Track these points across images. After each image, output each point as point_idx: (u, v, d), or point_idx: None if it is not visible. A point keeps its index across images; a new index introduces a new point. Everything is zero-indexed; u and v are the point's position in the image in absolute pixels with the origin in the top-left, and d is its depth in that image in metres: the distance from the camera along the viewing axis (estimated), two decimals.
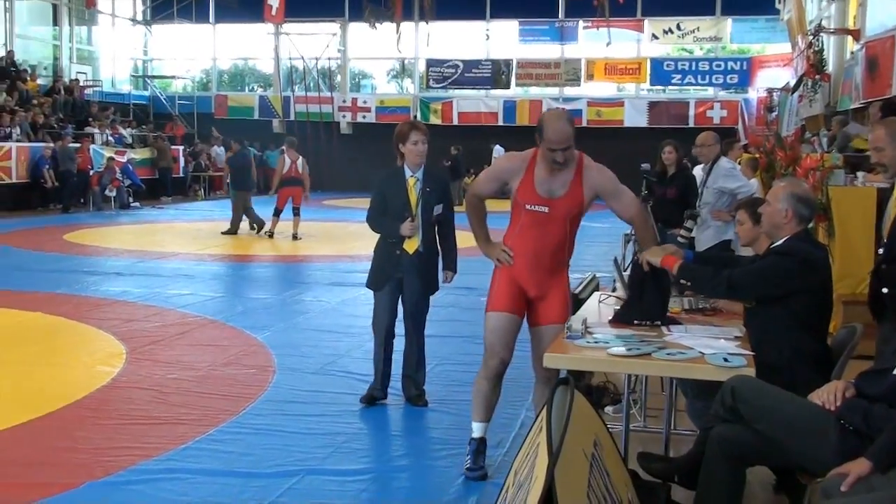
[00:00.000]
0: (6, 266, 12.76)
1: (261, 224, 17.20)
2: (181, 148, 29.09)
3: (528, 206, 4.62)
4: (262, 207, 17.62)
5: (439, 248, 6.13)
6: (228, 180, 19.08)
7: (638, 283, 4.49)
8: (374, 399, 6.12)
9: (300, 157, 16.39)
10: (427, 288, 6.07)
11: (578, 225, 4.74)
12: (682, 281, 4.40)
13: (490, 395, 4.83)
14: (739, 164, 10.61)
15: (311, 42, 32.10)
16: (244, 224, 17.27)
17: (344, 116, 32.46)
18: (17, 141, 22.46)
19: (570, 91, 31.45)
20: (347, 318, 9.15)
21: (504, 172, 4.75)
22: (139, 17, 34.38)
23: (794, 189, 4.34)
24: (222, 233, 17.05)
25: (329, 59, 32.70)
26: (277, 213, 16.47)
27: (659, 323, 4.39)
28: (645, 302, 4.45)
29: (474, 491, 4.60)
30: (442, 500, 4.51)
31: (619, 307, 4.66)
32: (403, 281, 6.00)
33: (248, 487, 4.61)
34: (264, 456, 5.09)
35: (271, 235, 16.57)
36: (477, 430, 4.86)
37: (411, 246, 5.95)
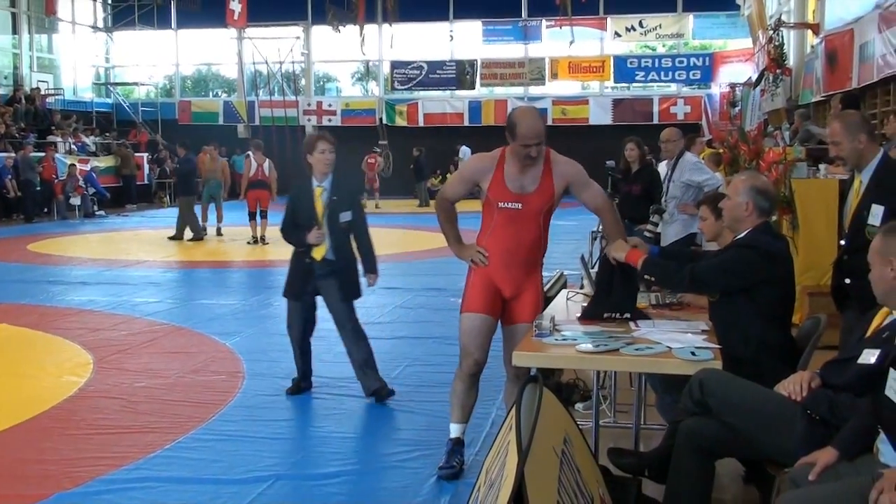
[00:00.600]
0: None
1: (196, 232, 17.29)
2: (145, 155, 28.90)
3: (500, 205, 4.63)
4: (233, 213, 17.51)
5: (356, 253, 6.29)
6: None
7: (607, 278, 4.52)
8: (299, 388, 6.40)
9: (266, 160, 16.32)
10: (347, 294, 6.23)
11: (549, 220, 4.76)
12: (646, 276, 4.44)
13: (465, 397, 4.83)
14: (703, 159, 10.69)
15: (275, 46, 31.96)
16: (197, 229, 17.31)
17: (309, 120, 32.37)
18: None
19: (534, 90, 31.56)
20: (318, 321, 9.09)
21: (474, 173, 4.76)
22: (100, 24, 34.09)
23: (753, 182, 4.37)
24: (169, 238, 17.16)
25: (293, 62, 32.59)
26: (252, 216, 16.37)
27: (628, 316, 4.41)
28: (614, 296, 4.47)
29: (447, 491, 4.59)
30: (414, 500, 4.50)
31: (586, 304, 4.67)
32: (321, 289, 6.21)
33: (219, 494, 4.58)
34: (235, 462, 5.06)
35: (260, 241, 16.31)
36: (453, 430, 4.88)
37: (318, 253, 6.15)
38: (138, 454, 5.16)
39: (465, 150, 29.45)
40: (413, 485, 4.69)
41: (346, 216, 6.17)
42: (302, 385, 6.44)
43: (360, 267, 6.39)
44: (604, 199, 4.84)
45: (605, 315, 4.44)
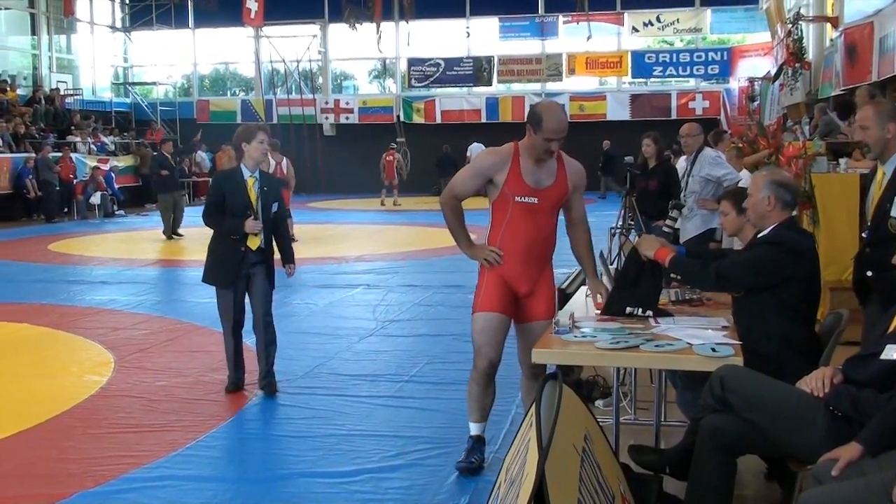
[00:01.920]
0: None
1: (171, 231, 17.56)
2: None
3: (517, 198, 4.62)
4: None
5: (274, 245, 6.49)
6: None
7: (634, 273, 4.51)
8: (238, 387, 6.45)
9: (284, 158, 16.35)
10: (272, 281, 6.44)
11: (557, 218, 4.78)
12: (673, 274, 4.44)
13: (482, 397, 4.83)
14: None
15: (292, 44, 32.00)
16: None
17: (327, 118, 32.40)
18: None
19: (552, 86, 31.47)
20: (335, 319, 9.14)
21: (488, 168, 4.72)
22: (118, 24, 34.22)
23: (773, 177, 4.35)
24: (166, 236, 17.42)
25: (310, 60, 32.63)
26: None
27: (650, 313, 4.40)
28: (640, 291, 4.46)
29: (467, 489, 4.59)
30: (434, 499, 4.50)
31: (608, 297, 4.66)
32: (251, 278, 6.34)
33: (240, 493, 4.59)
34: (255, 460, 5.08)
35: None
36: (473, 429, 4.89)
37: (254, 243, 6.28)
38: (159, 453, 5.18)
39: (475, 147, 29.37)
40: (433, 483, 4.69)
41: (274, 207, 6.37)
42: (240, 385, 6.48)
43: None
44: (585, 215, 4.93)
45: (628, 310, 4.42)
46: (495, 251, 4.70)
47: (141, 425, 5.72)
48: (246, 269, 6.31)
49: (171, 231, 17.60)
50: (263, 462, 5.06)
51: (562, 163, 4.69)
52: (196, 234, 17.75)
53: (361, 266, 13.17)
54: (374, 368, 7.08)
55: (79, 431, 5.64)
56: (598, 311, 4.61)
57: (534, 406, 3.13)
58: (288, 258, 6.61)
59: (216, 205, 6.30)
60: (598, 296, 4.71)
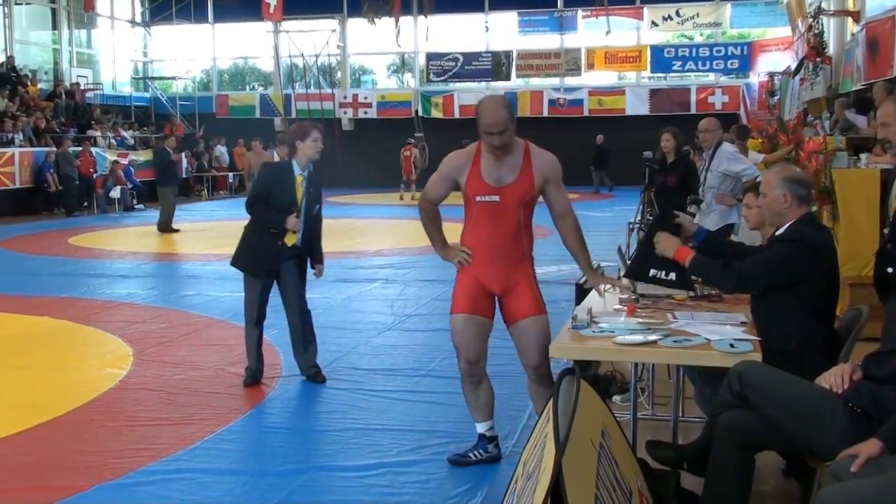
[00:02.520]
0: (12, 271, 12.79)
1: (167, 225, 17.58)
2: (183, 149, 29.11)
3: (478, 198, 4.57)
4: None
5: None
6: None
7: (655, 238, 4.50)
8: (257, 379, 6.49)
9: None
10: (303, 278, 6.53)
11: (532, 212, 4.67)
12: (693, 277, 4.40)
13: (473, 398, 4.84)
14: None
15: (311, 39, 32.05)
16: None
17: (345, 113, 32.45)
18: (20, 146, 22.50)
19: (570, 81, 31.41)
20: (353, 314, 9.16)
21: (452, 171, 4.68)
22: (138, 18, 34.37)
23: (785, 174, 4.32)
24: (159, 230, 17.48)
25: (329, 55, 32.67)
26: None
27: (673, 276, 4.39)
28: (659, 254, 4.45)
29: (483, 483, 4.60)
30: (451, 493, 4.51)
31: (630, 262, 4.67)
32: (281, 272, 6.41)
33: (257, 486, 4.61)
34: (273, 454, 5.10)
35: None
36: (479, 428, 4.92)
37: (291, 240, 6.35)
38: (178, 446, 5.21)
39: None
40: (450, 477, 4.70)
41: (317, 208, 6.45)
42: (258, 376, 6.53)
43: None
44: (570, 204, 4.73)
45: (652, 273, 4.42)
46: (465, 251, 4.68)
47: (159, 418, 5.75)
48: (278, 264, 6.36)
49: (167, 226, 17.62)
50: (281, 455, 5.07)
51: (528, 156, 4.57)
52: (218, 228, 17.82)
53: (380, 260, 13.19)
54: (392, 363, 7.10)
55: (98, 424, 5.67)
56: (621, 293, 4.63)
57: (551, 401, 3.12)
58: (318, 259, 6.63)
59: (261, 196, 6.34)
60: (613, 288, 4.69)
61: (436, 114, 31.75)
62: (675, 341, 3.84)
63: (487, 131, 4.44)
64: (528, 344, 4.59)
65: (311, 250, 6.56)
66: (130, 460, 4.99)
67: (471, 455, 4.85)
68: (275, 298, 6.58)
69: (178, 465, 4.92)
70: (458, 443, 5.14)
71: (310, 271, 6.64)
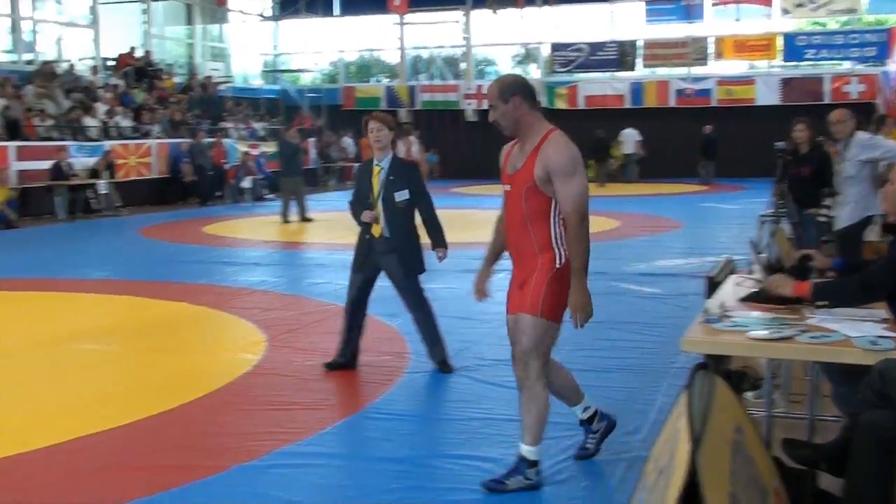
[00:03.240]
0: (150, 258, 13.32)
1: (302, 215, 17.76)
2: (311, 140, 29.72)
3: (503, 188, 4.50)
4: None
5: (425, 229, 6.58)
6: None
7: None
8: (336, 365, 6.61)
9: (414, 142, 16.52)
10: (408, 269, 6.50)
11: (541, 205, 4.34)
12: (819, 304, 4.23)
13: (554, 388, 4.69)
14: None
15: (436, 31, 32.29)
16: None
17: (469, 104, 32.56)
18: (157, 138, 23.37)
19: (698, 70, 30.78)
20: (480, 304, 9.15)
21: (501, 163, 4.58)
22: (268, 13, 35.24)
23: None
24: (283, 223, 17.71)
25: (453, 46, 32.84)
26: None
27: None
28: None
29: (611, 475, 4.58)
30: (579, 484, 4.50)
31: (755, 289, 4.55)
32: (383, 266, 6.53)
33: (385, 472, 4.69)
34: (401, 441, 5.18)
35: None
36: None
37: (376, 231, 6.44)
38: (310, 430, 5.35)
39: (627, 133, 29.00)
40: (578, 468, 4.70)
41: (402, 195, 6.38)
42: (339, 361, 6.64)
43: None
44: (577, 205, 4.24)
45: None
46: None
47: (293, 403, 5.92)
48: (375, 257, 6.49)
49: (301, 216, 17.88)
50: (409, 442, 5.15)
51: (540, 144, 4.32)
52: (346, 219, 18.17)
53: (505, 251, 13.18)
54: None
55: (234, 407, 5.87)
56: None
57: (684, 395, 3.09)
58: (436, 241, 6.64)
59: (355, 195, 6.60)
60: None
61: (560, 105, 31.55)
62: (812, 337, 3.75)
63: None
64: (513, 340, 4.48)
65: (428, 233, 6.59)
66: (266, 443, 5.14)
67: (588, 446, 4.81)
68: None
69: (310, 449, 5.05)
70: (581, 433, 5.12)
71: (433, 258, 6.66)
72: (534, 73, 33.79)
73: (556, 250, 4.35)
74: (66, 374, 6.86)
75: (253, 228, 17.55)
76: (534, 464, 4.43)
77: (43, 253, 14.35)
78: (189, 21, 32.42)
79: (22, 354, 7.50)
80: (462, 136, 31.42)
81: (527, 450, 4.43)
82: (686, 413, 2.95)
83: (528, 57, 34.52)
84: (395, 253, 6.45)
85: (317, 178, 28.96)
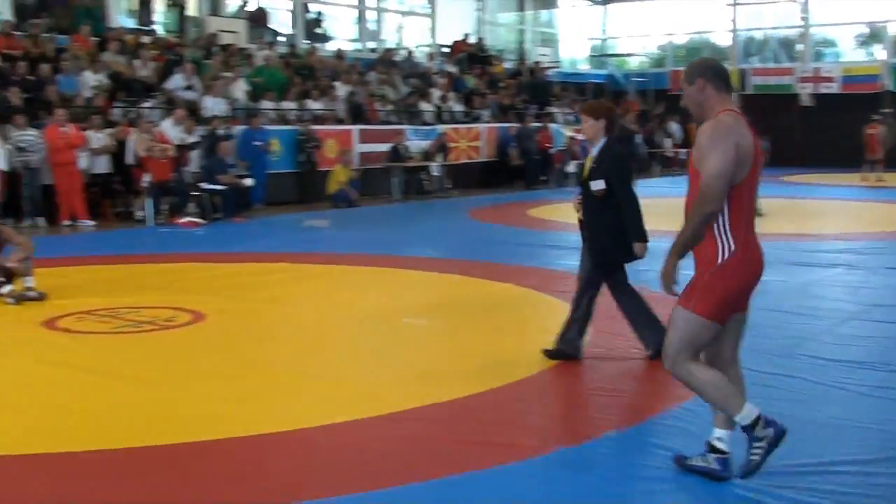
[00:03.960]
0: (480, 239, 13.83)
1: None
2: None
3: None
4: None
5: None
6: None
7: None
8: (557, 354, 6.55)
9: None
10: (595, 260, 6.52)
11: (738, 193, 4.14)
12: None
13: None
14: None
15: (771, 11, 30.89)
16: None
17: (805, 87, 30.88)
18: (487, 122, 24.14)
19: None
20: (813, 299, 8.74)
21: None
22: None
23: None
24: None
25: (789, 27, 31.26)
26: None
27: None
28: None
29: None
30: None
31: None
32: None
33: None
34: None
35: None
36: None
37: (579, 217, 6.60)
38: (631, 420, 5.40)
39: None
40: None
41: (597, 185, 6.32)
42: (563, 349, 6.54)
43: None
44: (702, 183, 4.05)
45: None
46: None
47: (616, 390, 5.94)
48: (585, 243, 6.64)
49: None
50: (732, 438, 4.97)
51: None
52: (670, 205, 17.87)
53: (840, 245, 12.43)
54: (857, 355, 6.64)
55: (556, 389, 6.05)
56: None
57: None
58: (632, 236, 6.42)
59: None
60: None
61: None
62: None
63: None
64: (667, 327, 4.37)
65: (626, 227, 6.42)
66: (587, 429, 5.19)
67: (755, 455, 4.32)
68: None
69: (629, 442, 5.02)
70: None
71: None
72: (879, 54, 31.46)
73: (721, 243, 4.16)
74: (395, 348, 7.29)
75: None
76: (756, 421, 4.22)
77: (380, 231, 15.27)
78: (520, 7, 33.16)
79: (357, 327, 7.96)
80: (795, 121, 29.88)
81: (740, 418, 4.25)
82: None
83: (873, 37, 32.18)
84: (588, 241, 6.60)
85: (643, 164, 28.65)
